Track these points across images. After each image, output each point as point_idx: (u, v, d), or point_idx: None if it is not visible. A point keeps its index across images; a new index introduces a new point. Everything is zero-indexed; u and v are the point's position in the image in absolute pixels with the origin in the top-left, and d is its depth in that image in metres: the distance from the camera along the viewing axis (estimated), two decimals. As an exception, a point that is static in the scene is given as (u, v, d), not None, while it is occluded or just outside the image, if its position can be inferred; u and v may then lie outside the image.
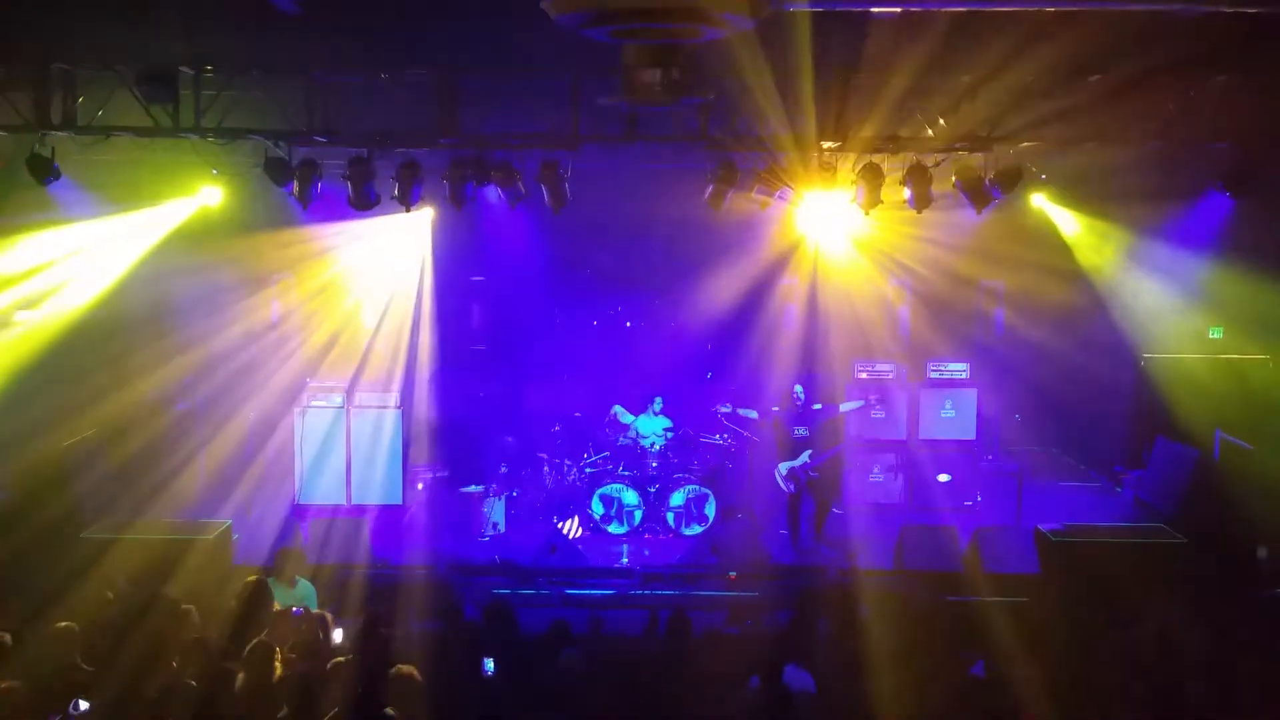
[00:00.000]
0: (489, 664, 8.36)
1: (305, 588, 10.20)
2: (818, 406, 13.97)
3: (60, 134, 11.76)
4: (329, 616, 9.06)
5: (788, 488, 13.75)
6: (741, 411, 14.36)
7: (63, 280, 14.24)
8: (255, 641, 7.81)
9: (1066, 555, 11.94)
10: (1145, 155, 12.62)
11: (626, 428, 15.36)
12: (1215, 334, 16.04)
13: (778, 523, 14.53)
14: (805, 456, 13.64)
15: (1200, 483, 14.06)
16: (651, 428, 15.20)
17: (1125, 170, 13.40)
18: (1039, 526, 12.54)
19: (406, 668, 7.50)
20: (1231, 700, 7.73)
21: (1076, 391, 16.20)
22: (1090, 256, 15.64)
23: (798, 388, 13.95)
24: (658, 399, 15.34)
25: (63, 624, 8.13)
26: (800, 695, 7.92)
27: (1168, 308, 15.54)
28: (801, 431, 13.72)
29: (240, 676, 7.62)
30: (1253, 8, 9.08)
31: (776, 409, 14.01)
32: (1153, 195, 14.19)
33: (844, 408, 14.40)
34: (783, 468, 13.76)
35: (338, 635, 8.97)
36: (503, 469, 15.38)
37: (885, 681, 7.76)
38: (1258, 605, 10.50)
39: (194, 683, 7.58)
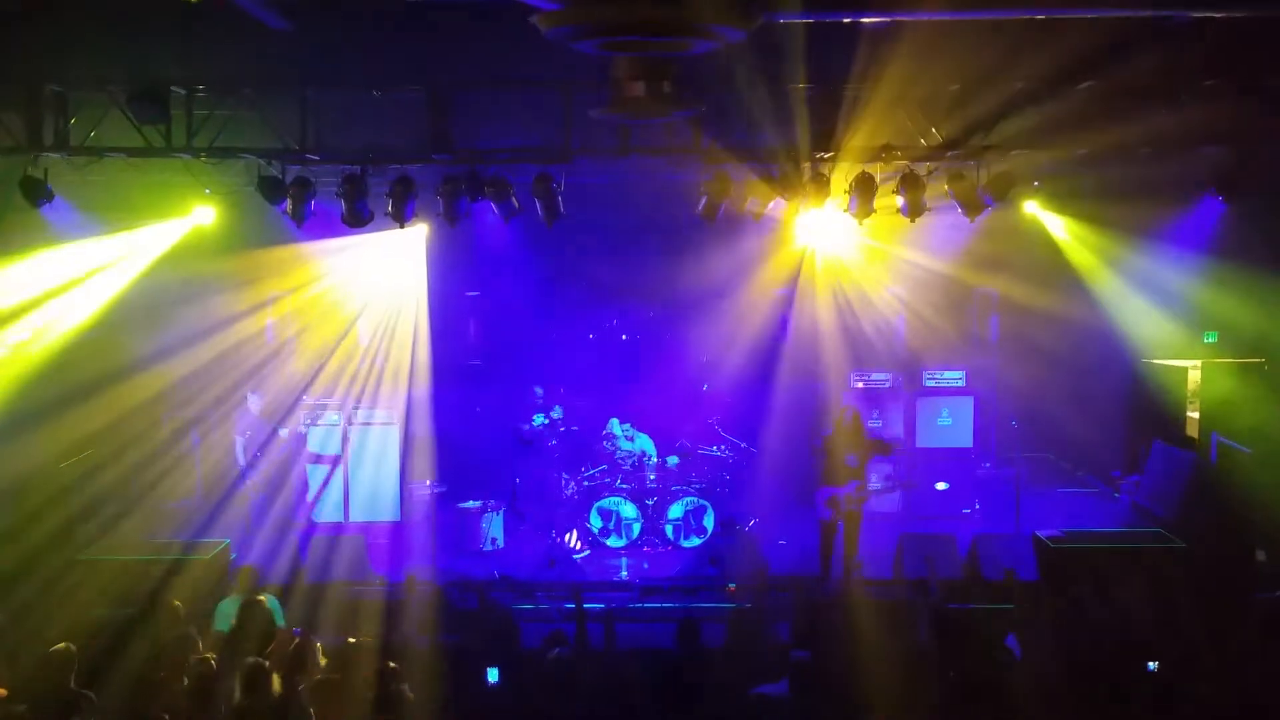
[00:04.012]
0: (493, 673, 8.33)
1: (270, 602, 10.23)
2: (870, 438, 13.37)
3: (53, 155, 11.76)
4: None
5: (824, 514, 12.92)
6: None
7: (57, 301, 14.22)
8: (251, 661, 7.78)
9: (1065, 561, 11.92)
10: (1137, 160, 12.62)
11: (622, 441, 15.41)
12: (1210, 338, 16.03)
13: (777, 534, 14.52)
14: (853, 487, 12.85)
15: (1198, 487, 14.06)
16: (632, 448, 15.26)
17: (1117, 175, 13.41)
18: (1037, 533, 12.53)
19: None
20: (1234, 703, 7.72)
21: (1073, 397, 16.20)
22: (1084, 262, 15.64)
23: (853, 413, 13.17)
24: (612, 419, 15.60)
25: (60, 646, 8.10)
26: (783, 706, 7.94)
27: (1162, 312, 15.54)
28: (853, 460, 12.92)
29: (236, 696, 7.60)
30: (1241, 12, 9.11)
31: (828, 434, 13.15)
32: (1145, 200, 14.18)
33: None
34: (825, 493, 12.90)
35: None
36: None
37: (884, 690, 7.76)
38: (1257, 608, 10.49)
39: (191, 703, 7.56)
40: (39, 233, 13.35)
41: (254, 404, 14.97)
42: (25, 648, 8.55)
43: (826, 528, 12.97)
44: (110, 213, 14.11)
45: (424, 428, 15.78)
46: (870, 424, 14.98)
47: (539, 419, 15.95)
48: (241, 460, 14.01)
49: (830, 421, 13.38)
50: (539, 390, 16.27)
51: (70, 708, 7.45)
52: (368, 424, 14.80)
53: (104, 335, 14.49)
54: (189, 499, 15.12)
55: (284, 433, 14.93)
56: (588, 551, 14.12)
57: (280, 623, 10.02)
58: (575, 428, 16.31)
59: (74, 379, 13.91)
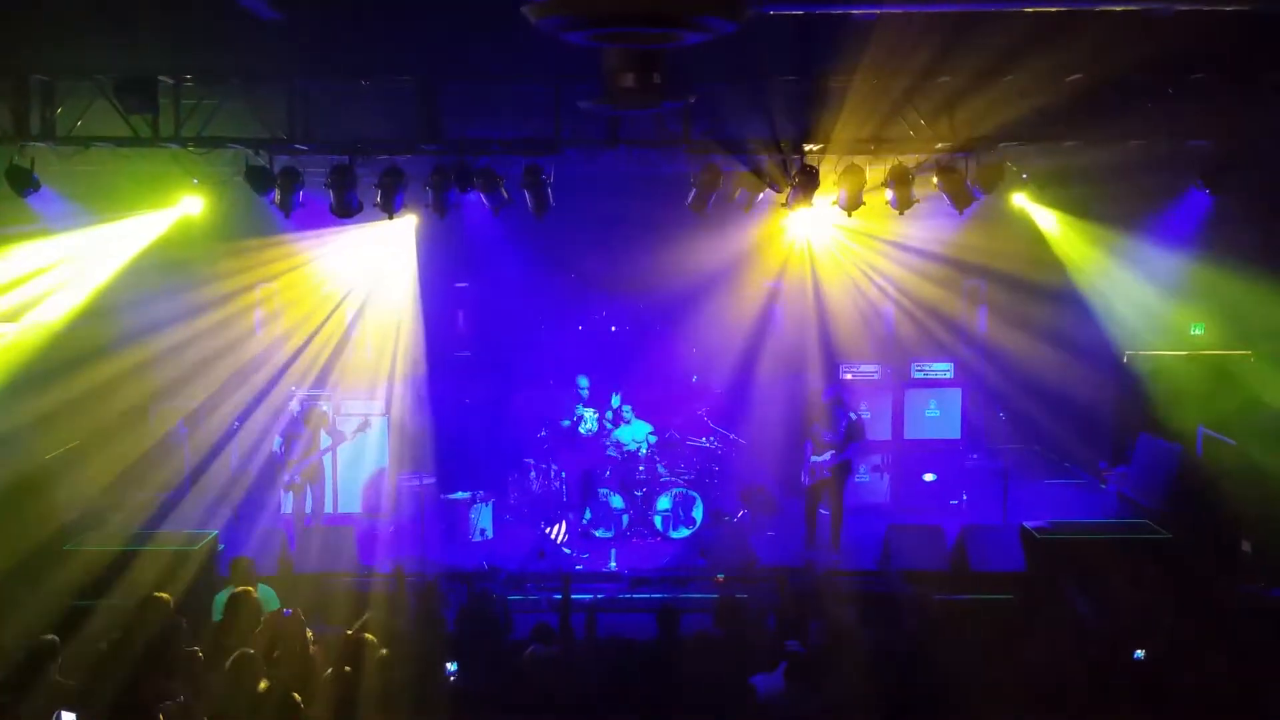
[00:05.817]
0: (452, 667, 8.39)
1: (265, 591, 10.21)
2: (852, 415, 13.91)
3: (40, 145, 11.70)
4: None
5: (804, 480, 13.83)
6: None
7: (44, 291, 14.17)
8: (239, 653, 7.77)
9: (1052, 552, 11.96)
10: (1125, 153, 12.67)
11: (610, 431, 15.37)
12: (1197, 330, 16.12)
13: (766, 524, 14.56)
14: (827, 455, 13.64)
15: (1184, 478, 14.10)
16: (633, 434, 15.21)
17: (1105, 168, 13.45)
18: (1024, 524, 12.57)
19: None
20: (1220, 693, 7.76)
21: (1060, 389, 16.24)
22: (1072, 254, 15.68)
23: (830, 397, 13.96)
24: (615, 395, 15.59)
25: (46, 637, 8.09)
26: (776, 696, 7.96)
27: (1149, 304, 15.60)
28: (828, 435, 13.68)
29: (224, 688, 7.60)
30: (1228, 5, 9.14)
31: (815, 423, 13.89)
32: (1133, 193, 14.25)
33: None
34: (807, 463, 13.82)
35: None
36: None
37: (874, 681, 7.79)
38: (1242, 599, 10.55)
39: (180, 694, 7.56)
40: (25, 223, 13.30)
41: (296, 407, 14.73)
42: (9, 638, 8.52)
43: (808, 492, 13.81)
44: (97, 202, 14.05)
45: (413, 419, 15.77)
46: (862, 415, 15.09)
47: (591, 417, 15.64)
48: (279, 454, 13.94)
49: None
50: (584, 381, 15.94)
51: (57, 698, 7.43)
52: (356, 415, 14.76)
53: (91, 326, 14.44)
54: (176, 491, 15.06)
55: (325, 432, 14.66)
56: (586, 556, 14.00)
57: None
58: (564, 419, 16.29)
59: (60, 370, 13.86)
